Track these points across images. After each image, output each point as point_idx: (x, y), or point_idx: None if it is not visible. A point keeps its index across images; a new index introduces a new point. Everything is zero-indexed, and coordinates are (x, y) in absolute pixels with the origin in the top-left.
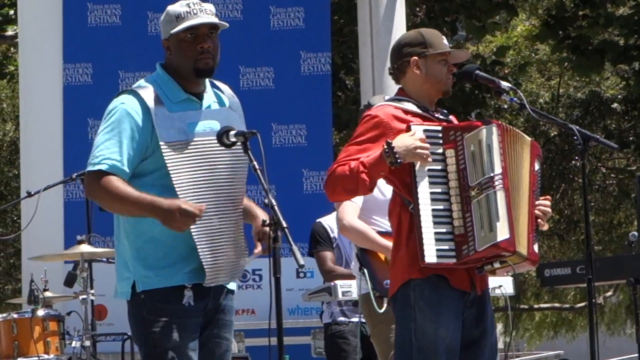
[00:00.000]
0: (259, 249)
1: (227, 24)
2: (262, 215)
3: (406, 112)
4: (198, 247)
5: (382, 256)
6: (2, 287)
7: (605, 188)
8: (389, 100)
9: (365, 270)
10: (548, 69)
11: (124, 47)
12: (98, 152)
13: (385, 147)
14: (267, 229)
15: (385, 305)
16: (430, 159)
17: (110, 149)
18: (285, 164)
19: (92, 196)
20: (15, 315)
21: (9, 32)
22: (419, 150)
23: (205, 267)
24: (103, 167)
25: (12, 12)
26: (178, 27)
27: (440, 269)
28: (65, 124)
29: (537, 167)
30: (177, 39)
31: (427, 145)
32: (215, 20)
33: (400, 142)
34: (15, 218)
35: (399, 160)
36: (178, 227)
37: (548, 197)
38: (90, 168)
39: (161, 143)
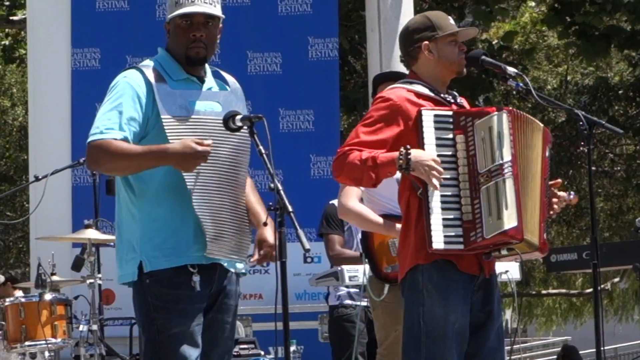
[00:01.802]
0: (255, 257)
1: (222, 15)
2: (267, 230)
3: (418, 95)
4: (201, 219)
5: (384, 242)
6: (12, 270)
7: (613, 174)
8: (401, 82)
9: (365, 257)
10: (556, 55)
11: (132, 32)
12: (99, 122)
13: (402, 152)
14: (270, 239)
15: (385, 291)
16: (438, 187)
17: (111, 119)
18: (292, 149)
19: (95, 164)
20: (23, 299)
21: (18, 17)
22: (432, 172)
23: (207, 238)
24: (103, 136)
25: None
26: (174, 13)
27: (448, 255)
28: (74, 109)
29: (547, 153)
30: (175, 24)
31: (441, 169)
32: (210, 10)
33: (418, 154)
34: (24, 203)
35: (410, 171)
36: (192, 166)
37: (558, 180)
38: (91, 138)
39: (163, 117)
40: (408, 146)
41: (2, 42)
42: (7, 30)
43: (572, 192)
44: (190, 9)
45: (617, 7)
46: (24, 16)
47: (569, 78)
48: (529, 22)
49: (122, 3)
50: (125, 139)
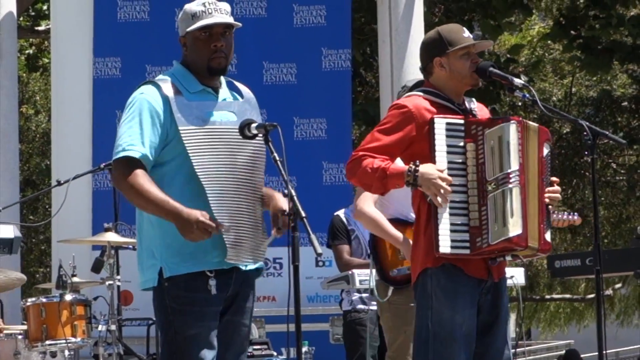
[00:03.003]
0: (274, 231)
1: (239, 24)
2: (280, 198)
3: (432, 103)
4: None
5: (390, 247)
6: (33, 272)
7: (615, 184)
8: (418, 90)
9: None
10: (561, 68)
11: (152, 42)
12: (121, 141)
13: (411, 168)
14: (284, 206)
15: (389, 293)
16: (446, 202)
17: (132, 136)
18: (306, 156)
19: (119, 187)
20: (44, 300)
21: (42, 27)
22: (437, 189)
23: (227, 245)
24: (127, 153)
25: (45, 7)
26: (193, 26)
27: (455, 259)
28: (95, 116)
29: (545, 151)
30: (193, 37)
31: (448, 188)
32: (229, 20)
33: (425, 171)
34: (46, 207)
35: (417, 186)
36: (193, 238)
37: (556, 180)
38: (115, 156)
39: (180, 128)
40: (417, 162)
41: (26, 51)
42: (31, 40)
43: (575, 213)
44: (210, 21)
45: (620, 21)
46: (47, 26)
47: (573, 90)
48: (535, 35)
49: (142, 14)
50: (144, 157)
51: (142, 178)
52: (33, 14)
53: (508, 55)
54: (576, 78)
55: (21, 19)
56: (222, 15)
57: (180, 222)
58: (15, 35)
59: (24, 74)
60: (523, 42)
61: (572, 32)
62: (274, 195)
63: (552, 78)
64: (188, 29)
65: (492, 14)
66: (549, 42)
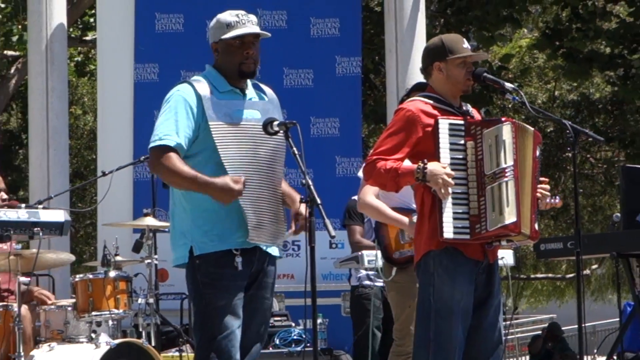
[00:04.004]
0: (293, 228)
1: (269, 34)
2: (300, 203)
3: (434, 107)
4: (244, 210)
5: (394, 232)
6: (81, 252)
7: (593, 176)
8: (420, 95)
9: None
10: (545, 74)
11: (186, 50)
12: (158, 131)
13: (420, 167)
14: (303, 211)
15: (393, 273)
16: (448, 195)
17: (168, 127)
18: (321, 151)
19: (155, 170)
20: (91, 276)
21: (89, 37)
22: (444, 184)
23: (249, 227)
24: (163, 142)
25: (92, 19)
26: (229, 34)
27: (456, 243)
28: (135, 115)
29: (538, 153)
30: (226, 44)
31: (451, 182)
32: (258, 30)
33: (433, 167)
34: (92, 195)
35: (425, 182)
36: (228, 200)
37: (546, 179)
38: (152, 144)
39: (210, 123)
40: (425, 161)
41: (75, 59)
42: (79, 48)
43: (557, 196)
44: (244, 31)
45: (598, 33)
46: (94, 37)
47: (556, 94)
48: (524, 45)
49: (177, 25)
50: (178, 146)
51: (176, 160)
52: (81, 25)
53: (499, 63)
54: (559, 83)
55: (71, 29)
56: (253, 26)
57: (215, 191)
58: (65, 44)
59: (74, 79)
60: (512, 51)
61: (556, 42)
62: (296, 200)
63: (538, 83)
64: (223, 37)
65: (486, 27)
66: (535, 51)
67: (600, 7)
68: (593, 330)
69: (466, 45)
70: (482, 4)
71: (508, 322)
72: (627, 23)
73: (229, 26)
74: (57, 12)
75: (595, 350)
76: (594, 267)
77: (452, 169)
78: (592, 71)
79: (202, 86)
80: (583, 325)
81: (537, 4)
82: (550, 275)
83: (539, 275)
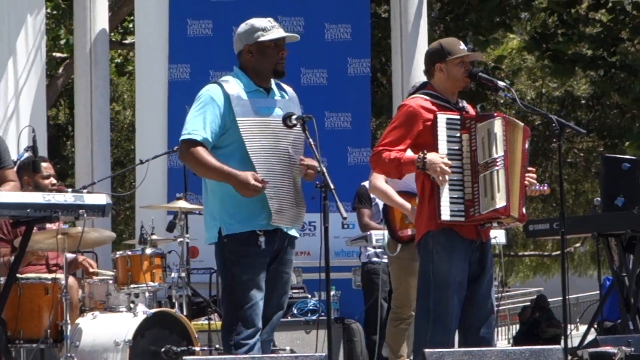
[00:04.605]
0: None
1: (298, 37)
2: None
3: (433, 103)
4: (267, 196)
5: (399, 213)
6: (121, 232)
7: (576, 164)
8: (421, 92)
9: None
10: (534, 73)
11: (214, 53)
12: (188, 126)
13: (420, 157)
14: (313, 163)
15: (398, 249)
16: (445, 182)
17: (197, 124)
18: (334, 142)
19: (184, 160)
20: (130, 253)
21: (129, 40)
22: (441, 172)
23: (272, 211)
24: (191, 136)
25: (131, 25)
26: (266, 37)
27: (453, 224)
28: (169, 110)
29: (527, 146)
30: (262, 46)
31: (448, 170)
32: (291, 35)
33: (432, 157)
34: (131, 181)
35: (425, 170)
36: (247, 194)
37: (533, 169)
38: (182, 137)
39: (238, 119)
40: (425, 151)
41: (116, 60)
42: (119, 51)
43: (545, 184)
44: (281, 34)
45: (581, 37)
46: (132, 40)
47: (543, 91)
48: (515, 48)
49: (207, 31)
50: (205, 140)
51: (203, 152)
52: (121, 30)
53: (494, 64)
54: (546, 81)
55: (112, 34)
56: (283, 31)
57: (236, 182)
58: (107, 47)
59: (114, 78)
60: (504, 53)
61: (544, 45)
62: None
63: (527, 81)
64: (260, 39)
65: (481, 32)
66: (525, 53)
67: (583, 14)
68: (576, 302)
69: (462, 46)
70: (477, 11)
71: (499, 295)
72: (608, 28)
73: (264, 30)
74: (100, 18)
75: (577, 320)
76: (577, 245)
77: (449, 159)
78: (575, 71)
79: (230, 86)
80: (567, 297)
81: (527, 11)
82: (538, 252)
83: (527, 253)
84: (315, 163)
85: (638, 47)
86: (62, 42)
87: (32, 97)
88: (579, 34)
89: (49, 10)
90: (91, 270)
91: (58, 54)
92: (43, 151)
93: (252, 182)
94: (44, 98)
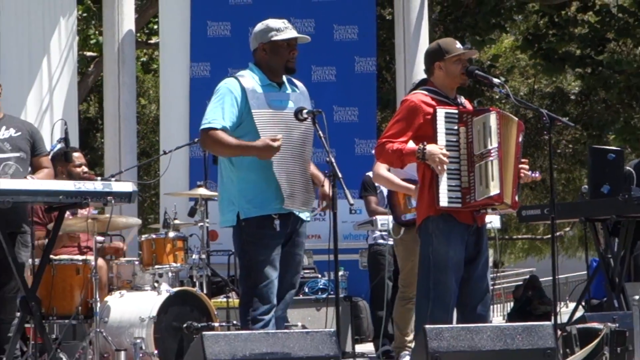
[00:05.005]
0: (320, 208)
1: (309, 38)
2: (327, 185)
3: (433, 98)
4: (280, 182)
5: (402, 199)
6: (146, 217)
7: (565, 155)
8: (422, 88)
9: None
10: (527, 71)
11: (232, 52)
12: (207, 115)
13: (420, 148)
14: (328, 191)
15: (401, 232)
16: (443, 172)
17: (216, 113)
18: (342, 134)
19: (205, 146)
20: (154, 236)
21: (154, 40)
22: (440, 162)
23: (284, 196)
24: (210, 124)
25: (155, 27)
26: (280, 37)
27: (450, 210)
28: (191, 105)
29: (520, 139)
30: (276, 45)
31: (446, 160)
32: (303, 35)
33: (431, 148)
34: (156, 170)
35: (425, 160)
36: (268, 156)
37: (526, 160)
38: (202, 126)
39: (253, 111)
40: (425, 142)
41: (141, 59)
42: (144, 50)
43: (537, 172)
44: (293, 35)
45: (570, 38)
46: (157, 40)
47: (536, 87)
48: (508, 46)
49: (225, 32)
50: (224, 128)
51: (221, 134)
52: (147, 31)
53: (490, 62)
54: (538, 78)
55: (138, 34)
56: (295, 32)
57: (256, 151)
58: (133, 47)
59: (141, 75)
60: (499, 52)
61: (536, 45)
62: (322, 181)
63: (520, 78)
64: (273, 38)
65: (478, 32)
66: (518, 52)
67: (572, 16)
68: (565, 281)
69: (459, 45)
70: (474, 14)
71: (494, 275)
72: (595, 29)
73: (278, 30)
74: (127, 20)
75: (567, 298)
76: (567, 229)
77: (447, 150)
78: (565, 68)
79: (246, 80)
80: (556, 277)
81: (520, 14)
82: (530, 236)
83: (521, 236)
84: (328, 192)
85: (623, 47)
86: (92, 41)
87: (65, 92)
88: (569, 34)
89: (80, 13)
90: (121, 247)
91: (88, 53)
92: (75, 142)
93: (271, 142)
94: (75, 93)
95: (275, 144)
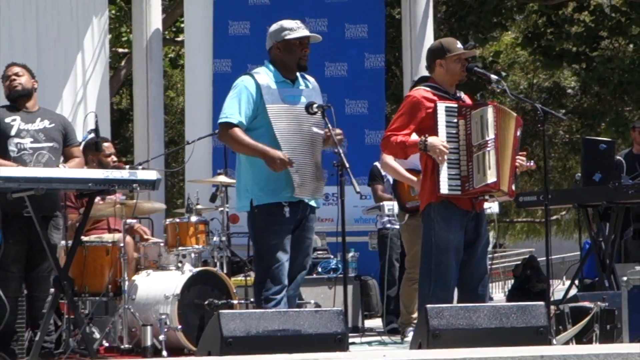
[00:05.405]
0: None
1: (320, 37)
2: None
3: (434, 93)
4: (291, 172)
5: (406, 188)
6: (176, 201)
7: (562, 144)
8: (424, 84)
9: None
10: (527, 66)
11: (251, 49)
12: (225, 110)
13: (422, 140)
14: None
15: (406, 218)
16: (444, 162)
17: (233, 109)
18: (353, 126)
19: (222, 139)
20: (178, 220)
21: (180, 38)
22: (440, 153)
23: (295, 185)
24: (228, 119)
25: (182, 25)
26: (292, 35)
27: (450, 197)
28: (214, 98)
29: (518, 133)
30: (289, 43)
31: (446, 151)
32: (315, 35)
33: (433, 140)
34: (184, 157)
35: (426, 151)
36: (276, 169)
37: (524, 152)
38: (220, 121)
39: (267, 105)
40: (427, 135)
41: (169, 55)
42: (172, 47)
43: (532, 161)
44: (305, 33)
45: (568, 36)
46: (184, 38)
47: (535, 81)
48: (508, 42)
49: (245, 30)
50: (240, 123)
51: (239, 132)
52: (174, 29)
53: (492, 59)
54: (536, 73)
55: (166, 33)
56: (307, 32)
57: (267, 158)
58: (160, 45)
59: (169, 70)
60: (500, 48)
61: (535, 42)
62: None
63: (521, 73)
64: (287, 37)
65: (481, 31)
66: (518, 48)
67: (569, 16)
68: (562, 261)
69: (459, 45)
70: (477, 13)
71: (492, 255)
72: (589, 28)
73: (291, 30)
74: (155, 20)
75: (564, 275)
76: (563, 213)
77: (447, 141)
78: (562, 64)
79: (261, 77)
80: (550, 257)
81: (520, 13)
82: (529, 219)
83: (520, 219)
84: (338, 131)
85: (615, 45)
86: (124, 39)
87: (97, 86)
88: (565, 32)
89: (113, 12)
90: (145, 236)
91: (121, 49)
92: (106, 133)
93: (282, 158)
94: (107, 87)
95: (282, 162)
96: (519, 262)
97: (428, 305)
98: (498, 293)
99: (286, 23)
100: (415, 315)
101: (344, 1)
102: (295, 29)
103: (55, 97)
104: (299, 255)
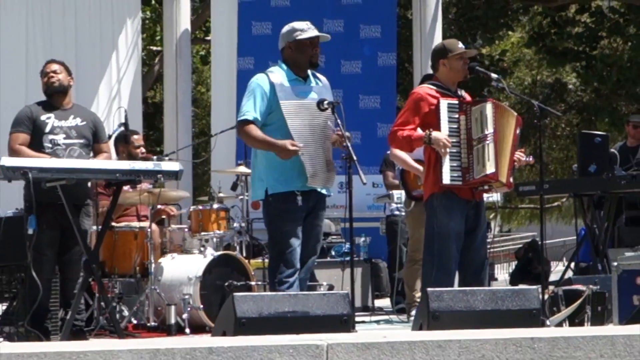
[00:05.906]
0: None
1: (329, 37)
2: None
3: (437, 91)
4: (304, 163)
5: (413, 176)
6: (204, 188)
7: (562, 136)
8: (428, 82)
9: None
10: (531, 64)
11: (273, 48)
12: (242, 108)
13: (427, 134)
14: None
15: (412, 205)
16: (446, 154)
17: (249, 106)
18: (366, 119)
19: (239, 135)
20: (200, 207)
21: (209, 37)
22: (444, 146)
23: (307, 175)
24: (245, 117)
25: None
26: (303, 36)
27: (452, 187)
28: (238, 93)
29: (518, 131)
30: (300, 43)
31: (449, 144)
32: (324, 34)
33: (436, 134)
34: (208, 148)
35: (431, 144)
36: (284, 158)
37: (523, 150)
38: (238, 118)
39: (281, 102)
40: (430, 129)
41: (200, 53)
42: (202, 45)
43: (530, 156)
44: (315, 33)
45: (569, 36)
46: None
47: (538, 78)
48: (514, 41)
49: (267, 30)
50: (255, 119)
51: (253, 129)
52: (204, 29)
53: (498, 56)
54: (540, 70)
55: (197, 32)
56: (317, 32)
57: (276, 149)
58: (189, 44)
59: (199, 66)
60: (506, 47)
61: (540, 42)
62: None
63: (525, 70)
64: (298, 38)
65: (488, 30)
66: (523, 47)
67: (571, 17)
68: (563, 244)
69: (461, 45)
70: (485, 14)
71: (491, 239)
72: (590, 28)
73: (302, 31)
74: (184, 20)
75: (563, 257)
76: (563, 200)
77: (449, 136)
78: (565, 63)
79: (275, 75)
80: (544, 243)
81: (526, 15)
82: (532, 205)
83: (524, 206)
84: (346, 134)
85: (614, 44)
86: (158, 38)
87: (130, 83)
88: (568, 33)
89: (147, 13)
90: (172, 213)
91: (154, 48)
92: (138, 126)
93: (289, 147)
94: (139, 84)
95: (294, 148)
96: (521, 246)
97: (429, 289)
98: (503, 274)
99: (297, 25)
100: (417, 294)
101: (359, 3)
102: (305, 29)
103: (92, 92)
104: (310, 240)
